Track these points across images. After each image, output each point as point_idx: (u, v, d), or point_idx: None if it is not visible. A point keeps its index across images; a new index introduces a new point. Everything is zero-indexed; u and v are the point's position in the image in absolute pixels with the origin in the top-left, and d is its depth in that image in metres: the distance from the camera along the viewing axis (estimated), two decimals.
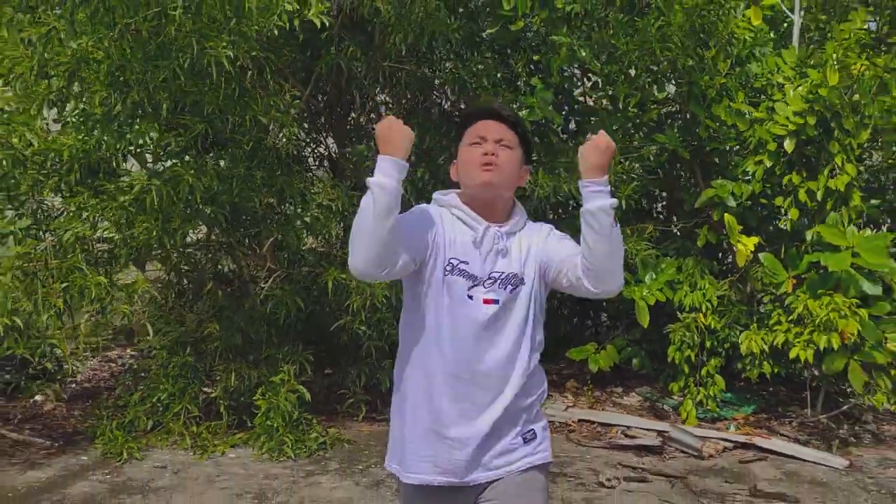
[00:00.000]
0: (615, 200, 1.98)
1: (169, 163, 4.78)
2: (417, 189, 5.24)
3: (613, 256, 1.98)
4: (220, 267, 5.43)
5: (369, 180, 1.92)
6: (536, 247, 2.11)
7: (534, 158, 5.58)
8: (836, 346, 4.38)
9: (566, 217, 5.80)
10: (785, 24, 6.09)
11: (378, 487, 4.04)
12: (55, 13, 3.78)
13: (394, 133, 1.97)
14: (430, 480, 2.06)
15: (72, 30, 3.81)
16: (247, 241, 5.20)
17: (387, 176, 1.91)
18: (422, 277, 2.06)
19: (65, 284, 4.40)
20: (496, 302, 2.05)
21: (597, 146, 2.00)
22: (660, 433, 4.75)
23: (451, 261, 2.06)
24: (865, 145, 5.27)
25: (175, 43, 3.93)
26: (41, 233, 4.93)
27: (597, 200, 1.96)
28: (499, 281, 2.07)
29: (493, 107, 2.18)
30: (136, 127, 4.26)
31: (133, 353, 6.77)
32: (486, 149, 2.08)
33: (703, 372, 5.13)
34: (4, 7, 3.96)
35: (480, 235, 2.07)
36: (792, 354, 4.54)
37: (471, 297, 2.05)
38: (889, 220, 5.65)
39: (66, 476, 4.13)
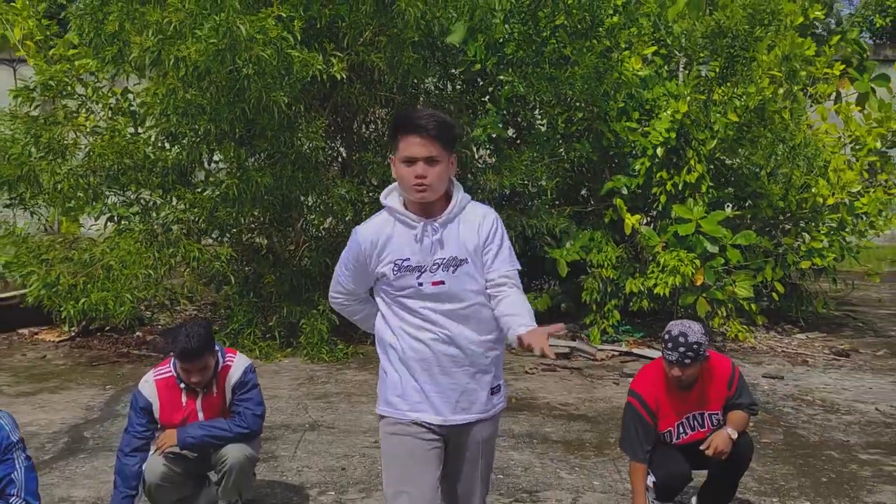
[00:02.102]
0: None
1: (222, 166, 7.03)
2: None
3: None
4: (270, 239, 7.64)
5: None
6: (476, 240, 2.49)
7: (487, 161, 7.87)
8: (677, 284, 6.66)
9: (508, 204, 7.94)
10: (673, 61, 8.35)
11: None
12: (177, 77, 5.97)
13: None
14: (421, 417, 2.48)
15: (185, 87, 6.02)
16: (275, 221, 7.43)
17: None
18: (380, 280, 2.53)
19: (171, 250, 6.66)
20: (443, 283, 2.45)
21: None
22: (571, 347, 7.04)
23: (396, 262, 2.45)
24: (718, 151, 7.48)
25: (247, 91, 6.12)
26: (146, 216, 7.20)
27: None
28: (441, 266, 2.45)
29: (419, 122, 2.38)
30: (223, 145, 6.47)
31: (194, 308, 8.99)
32: (416, 171, 2.37)
33: (606, 309, 7.41)
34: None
35: (420, 233, 2.45)
36: (656, 291, 6.82)
37: (421, 284, 2.45)
38: (737, 203, 7.90)
39: None
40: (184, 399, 3.42)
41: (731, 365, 3.54)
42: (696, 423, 3.44)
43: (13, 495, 2.55)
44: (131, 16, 6.16)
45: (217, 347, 3.45)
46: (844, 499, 3.91)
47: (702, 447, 3.33)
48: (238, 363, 3.51)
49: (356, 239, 2.52)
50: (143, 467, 3.37)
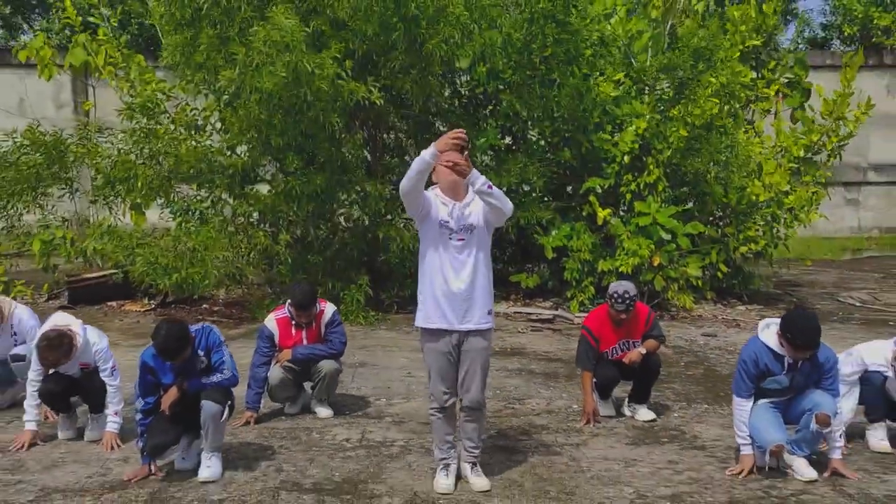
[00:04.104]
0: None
1: (269, 170, 8.86)
2: None
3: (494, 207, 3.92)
4: (307, 229, 9.47)
5: (422, 153, 3.77)
6: (480, 206, 3.97)
7: (488, 164, 9.69)
8: (637, 264, 8.49)
9: None
10: (640, 83, 10.14)
11: (407, 335, 8.14)
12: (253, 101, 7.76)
13: (447, 144, 3.73)
14: (441, 325, 4.00)
15: (260, 109, 7.82)
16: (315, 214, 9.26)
17: (427, 154, 3.75)
18: (428, 228, 3.96)
19: (240, 236, 8.50)
20: (463, 239, 3.97)
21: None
22: (554, 315, 8.89)
23: (441, 221, 3.94)
24: (674, 158, 9.26)
25: (307, 112, 7.92)
26: (216, 209, 9.03)
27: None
28: (464, 229, 3.96)
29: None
30: (287, 154, 8.28)
31: (242, 288, 10.80)
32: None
33: (583, 285, 9.23)
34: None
35: (451, 209, 3.99)
36: (621, 269, 8.65)
37: (451, 238, 3.96)
38: (693, 200, 9.73)
39: (252, 330, 8.18)
40: (294, 331, 5.25)
41: (648, 309, 5.37)
42: (625, 346, 5.26)
43: (226, 369, 4.35)
44: (213, 54, 7.97)
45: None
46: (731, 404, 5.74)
47: (623, 359, 5.17)
48: (328, 308, 5.33)
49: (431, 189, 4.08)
50: (267, 375, 5.20)
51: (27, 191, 9.43)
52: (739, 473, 4.34)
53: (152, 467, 4.25)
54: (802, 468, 4.35)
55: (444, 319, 4.02)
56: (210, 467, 4.25)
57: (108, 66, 10.15)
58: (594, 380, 5.28)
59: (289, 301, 5.27)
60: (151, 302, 9.58)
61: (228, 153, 9.08)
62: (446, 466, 4.18)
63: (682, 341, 7.91)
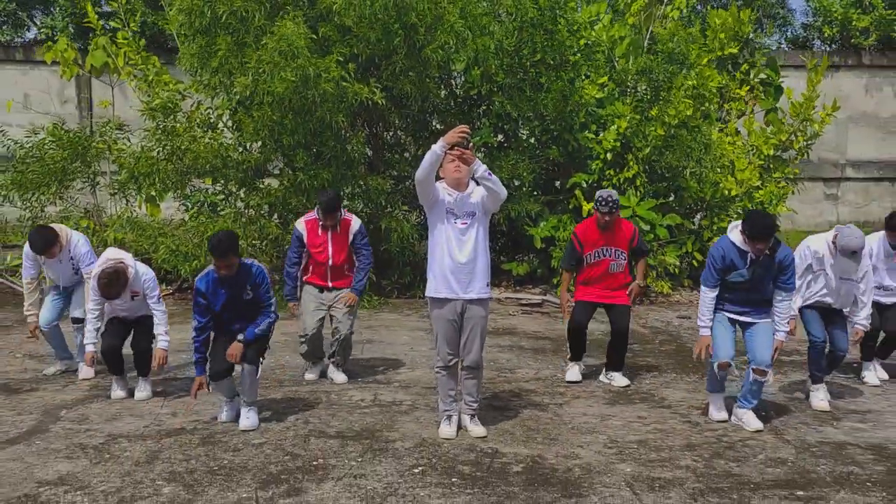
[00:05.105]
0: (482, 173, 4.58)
1: (277, 165, 9.60)
2: None
3: (492, 192, 4.68)
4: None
5: (433, 146, 4.46)
6: (479, 196, 4.73)
7: (480, 160, 10.42)
8: None
9: None
10: (623, 85, 10.91)
11: (407, 316, 8.89)
12: (265, 103, 8.49)
13: (454, 137, 4.41)
14: (448, 295, 4.75)
15: (272, 111, 8.55)
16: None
17: (437, 147, 4.45)
18: (436, 214, 4.70)
19: (253, 227, 9.22)
20: (466, 223, 4.71)
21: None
22: (542, 299, 9.66)
23: (448, 207, 4.68)
24: (652, 156, 10.05)
25: (314, 112, 8.66)
26: (229, 202, 9.75)
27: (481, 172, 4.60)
28: (466, 214, 4.68)
29: (457, 142, 4.55)
30: (296, 152, 9.01)
31: None
32: (456, 163, 4.63)
33: None
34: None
35: (455, 198, 4.73)
36: None
37: (455, 222, 4.69)
38: (671, 194, 10.52)
39: None
40: (320, 232, 6.02)
41: (633, 226, 6.21)
42: (606, 253, 6.01)
43: (272, 311, 5.11)
44: (229, 59, 8.69)
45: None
46: (696, 374, 6.52)
47: (627, 293, 6.03)
48: (355, 219, 6.11)
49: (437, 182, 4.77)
50: (304, 327, 6.03)
51: (53, 183, 10.11)
52: (700, 353, 5.16)
53: (202, 382, 5.03)
54: (750, 420, 5.14)
55: (450, 289, 4.77)
56: (248, 418, 5.01)
57: (127, 66, 10.84)
58: (569, 327, 6.15)
59: (317, 205, 6.05)
60: (169, 287, 10.29)
61: (241, 150, 9.81)
62: (449, 417, 4.95)
63: (659, 323, 8.70)
